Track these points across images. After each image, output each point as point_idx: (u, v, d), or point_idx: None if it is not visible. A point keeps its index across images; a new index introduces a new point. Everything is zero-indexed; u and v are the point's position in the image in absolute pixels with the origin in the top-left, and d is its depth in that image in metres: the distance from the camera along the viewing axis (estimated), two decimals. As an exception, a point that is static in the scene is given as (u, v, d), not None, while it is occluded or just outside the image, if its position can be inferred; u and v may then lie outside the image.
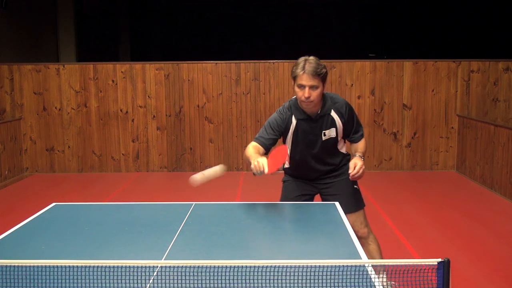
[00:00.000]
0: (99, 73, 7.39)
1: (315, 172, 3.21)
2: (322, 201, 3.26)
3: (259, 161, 2.78)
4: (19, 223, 2.62)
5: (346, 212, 3.14)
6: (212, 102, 7.42)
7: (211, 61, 7.47)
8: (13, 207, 5.81)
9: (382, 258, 3.18)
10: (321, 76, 2.93)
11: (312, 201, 3.32)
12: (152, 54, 16.84)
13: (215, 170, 2.91)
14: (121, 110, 7.44)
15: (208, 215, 2.86)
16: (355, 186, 3.24)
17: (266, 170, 2.74)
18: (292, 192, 3.23)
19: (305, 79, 2.91)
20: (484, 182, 6.45)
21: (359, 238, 3.15)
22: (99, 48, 12.86)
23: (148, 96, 7.42)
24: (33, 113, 7.45)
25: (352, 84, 7.32)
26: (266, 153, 3.12)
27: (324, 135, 3.08)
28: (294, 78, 2.98)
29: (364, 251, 3.10)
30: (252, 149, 3.03)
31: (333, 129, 3.09)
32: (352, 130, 3.19)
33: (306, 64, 2.94)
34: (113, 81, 7.40)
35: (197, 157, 7.51)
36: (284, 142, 3.18)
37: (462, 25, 14.94)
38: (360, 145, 3.20)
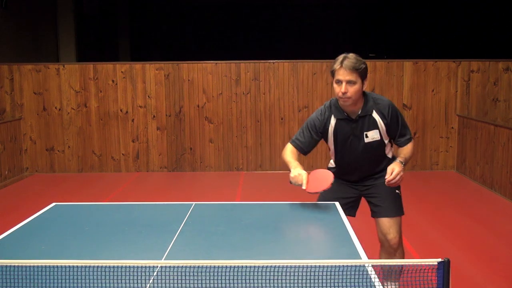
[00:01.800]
0: (99, 73, 7.39)
1: (357, 174, 3.11)
2: (368, 204, 3.15)
3: (300, 174, 2.71)
4: (19, 223, 2.62)
5: (384, 216, 3.05)
6: (212, 102, 7.42)
7: (211, 61, 7.47)
8: (13, 207, 5.81)
9: (402, 272, 2.96)
10: (359, 71, 2.80)
11: (357, 205, 3.19)
12: (152, 54, 16.85)
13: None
14: (121, 110, 7.45)
15: (208, 215, 2.86)
16: (397, 191, 3.10)
17: (304, 187, 2.68)
18: (332, 193, 3.05)
19: (342, 74, 2.80)
20: (484, 182, 6.45)
21: (390, 246, 3.05)
22: (99, 48, 12.86)
23: (148, 96, 7.42)
24: (33, 113, 7.45)
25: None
26: (306, 154, 3.05)
27: (367, 137, 2.96)
28: (332, 73, 2.87)
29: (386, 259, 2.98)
30: (290, 153, 2.93)
31: (376, 131, 2.95)
32: (397, 133, 3.02)
33: (345, 59, 2.82)
34: (113, 81, 7.40)
35: (197, 157, 7.51)
36: (326, 142, 3.08)
37: (462, 25, 14.94)
38: (405, 150, 3.03)
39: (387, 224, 3.05)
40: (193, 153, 7.52)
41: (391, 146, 3.11)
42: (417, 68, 7.36)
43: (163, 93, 7.42)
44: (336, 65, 2.84)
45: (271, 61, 7.46)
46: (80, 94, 7.42)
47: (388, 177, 2.85)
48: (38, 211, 2.85)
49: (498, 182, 6.10)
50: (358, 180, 3.13)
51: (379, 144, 3.02)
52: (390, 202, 3.08)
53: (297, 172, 2.77)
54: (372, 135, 2.97)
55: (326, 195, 3.10)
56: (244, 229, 2.59)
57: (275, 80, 7.39)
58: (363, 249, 2.18)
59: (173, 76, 7.40)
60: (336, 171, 3.10)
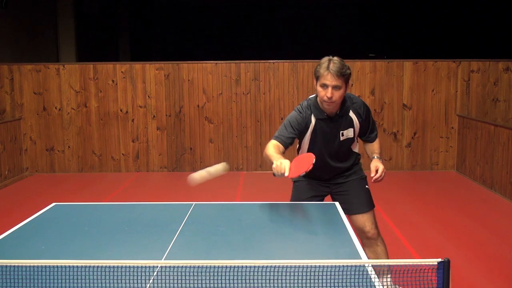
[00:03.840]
0: (99, 73, 7.39)
1: (330, 172, 3.17)
2: (333, 200, 3.18)
3: (282, 163, 2.73)
4: (19, 223, 2.62)
5: (357, 212, 3.14)
6: (212, 102, 7.42)
7: (211, 61, 7.47)
8: (13, 207, 5.81)
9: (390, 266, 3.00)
10: (345, 77, 2.87)
11: (323, 201, 3.25)
12: (152, 54, 16.85)
13: (217, 168, 2.86)
14: (121, 110, 7.44)
15: (208, 215, 2.86)
16: (366, 186, 3.21)
17: (287, 173, 2.69)
18: (304, 193, 3.18)
19: (329, 79, 2.84)
20: (484, 182, 6.45)
21: (368, 239, 3.15)
22: (99, 48, 12.86)
23: (148, 96, 7.42)
24: (33, 113, 7.45)
25: (352, 84, 7.31)
26: (284, 152, 3.06)
27: (342, 135, 3.05)
28: (317, 77, 2.92)
29: (370, 252, 3.10)
30: (273, 148, 2.97)
31: (351, 129, 3.06)
32: (368, 130, 3.18)
33: (331, 63, 2.86)
34: (113, 81, 7.40)
35: (197, 157, 7.51)
36: (300, 141, 3.13)
37: (462, 25, 14.94)
38: (376, 145, 3.20)
39: (362, 219, 3.14)
40: (193, 153, 7.52)
41: (357, 141, 3.23)
42: (417, 68, 7.36)
43: (163, 93, 7.42)
44: (323, 70, 2.87)
45: (271, 61, 7.46)
46: (80, 94, 7.42)
47: (374, 175, 2.95)
48: (38, 211, 2.85)
49: (498, 182, 6.10)
50: (330, 178, 3.20)
51: (351, 141, 3.13)
52: (362, 198, 3.17)
53: (279, 161, 2.75)
54: (347, 133, 3.07)
55: (300, 195, 3.18)
56: (244, 229, 2.59)
57: (275, 80, 7.39)
58: (363, 249, 2.18)
59: (173, 76, 7.40)
60: (308, 171, 3.11)
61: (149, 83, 7.41)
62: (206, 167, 2.90)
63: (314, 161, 2.76)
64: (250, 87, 7.40)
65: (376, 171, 2.95)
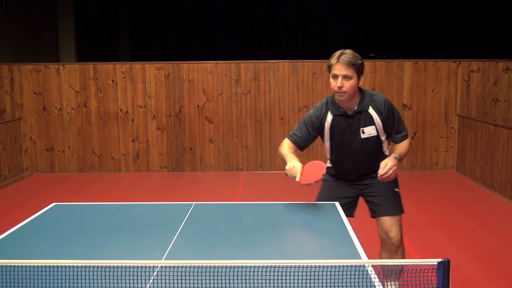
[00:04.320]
0: (99, 73, 7.39)
1: (354, 173, 3.09)
2: (366, 203, 3.14)
3: (295, 166, 2.76)
4: (19, 223, 2.62)
5: (385, 214, 3.05)
6: (212, 102, 7.42)
7: (211, 61, 7.47)
8: (13, 207, 5.81)
9: (402, 272, 2.83)
10: (355, 66, 2.84)
11: (355, 205, 3.17)
12: (152, 54, 16.85)
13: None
14: (121, 110, 7.44)
15: (208, 215, 2.86)
16: (396, 189, 3.10)
17: (297, 178, 2.72)
18: (331, 192, 3.11)
19: (339, 69, 2.84)
20: (484, 182, 6.45)
21: (391, 245, 3.04)
22: (99, 48, 12.86)
23: (148, 96, 7.42)
24: (33, 113, 7.45)
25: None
26: (302, 150, 3.06)
27: (363, 132, 2.96)
28: (329, 68, 2.91)
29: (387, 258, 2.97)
30: (286, 147, 2.97)
31: (373, 127, 2.96)
32: (393, 130, 3.02)
33: (342, 54, 2.86)
34: (113, 81, 7.40)
35: (197, 157, 7.51)
36: (322, 139, 3.09)
37: (462, 25, 14.94)
38: (401, 146, 3.02)
39: (389, 222, 3.05)
40: (193, 153, 7.52)
41: (389, 143, 3.11)
42: (417, 68, 7.36)
43: (163, 93, 7.42)
44: (333, 60, 2.88)
45: (271, 61, 7.46)
46: (80, 94, 7.42)
47: (381, 171, 2.82)
48: (38, 211, 2.85)
49: (498, 182, 6.10)
50: (357, 178, 3.12)
51: (376, 140, 3.02)
52: (391, 201, 3.08)
53: (292, 164, 2.81)
54: (368, 131, 2.98)
55: (325, 195, 3.12)
56: (244, 229, 2.59)
57: (275, 80, 7.39)
58: (363, 249, 2.18)
59: (173, 76, 7.40)
60: (334, 171, 3.11)
61: (149, 83, 7.41)
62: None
63: (325, 172, 2.79)
64: (250, 87, 7.40)
65: (384, 168, 2.83)
